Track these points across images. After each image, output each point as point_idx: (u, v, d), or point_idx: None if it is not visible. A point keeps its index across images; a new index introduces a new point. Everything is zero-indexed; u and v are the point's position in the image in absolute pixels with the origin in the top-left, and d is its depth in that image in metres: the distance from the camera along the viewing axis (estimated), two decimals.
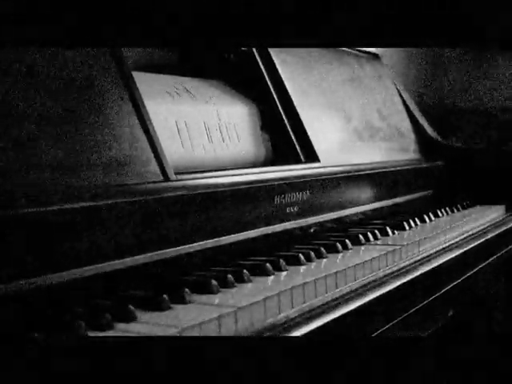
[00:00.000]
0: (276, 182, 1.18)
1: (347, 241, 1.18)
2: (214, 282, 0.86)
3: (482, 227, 1.57)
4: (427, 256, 1.24)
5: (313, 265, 1.04)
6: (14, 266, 0.73)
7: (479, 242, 1.45)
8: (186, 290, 0.82)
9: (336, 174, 1.38)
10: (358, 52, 1.86)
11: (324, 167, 1.36)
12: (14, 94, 0.81)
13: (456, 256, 1.31)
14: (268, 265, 0.96)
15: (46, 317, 0.73)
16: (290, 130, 1.35)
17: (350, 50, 1.82)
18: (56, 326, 0.70)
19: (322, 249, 1.10)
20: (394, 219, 1.47)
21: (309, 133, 1.38)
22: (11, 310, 0.72)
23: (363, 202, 1.49)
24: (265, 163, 1.32)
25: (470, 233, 1.49)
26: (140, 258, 0.88)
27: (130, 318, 0.74)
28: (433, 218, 1.54)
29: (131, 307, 0.75)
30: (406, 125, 1.95)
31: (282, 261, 1.00)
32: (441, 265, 1.23)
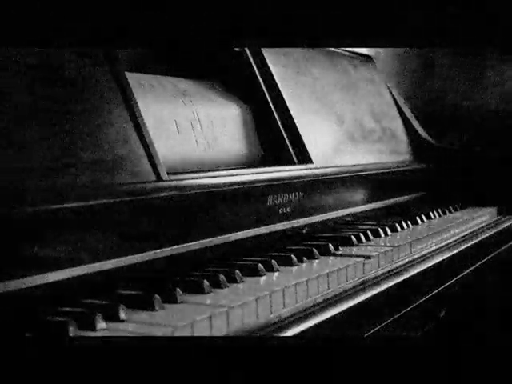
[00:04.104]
0: (269, 183, 1.18)
1: (339, 242, 1.18)
2: (206, 282, 0.86)
3: (473, 229, 1.58)
4: (419, 257, 1.25)
5: (305, 265, 1.04)
6: (6, 266, 0.72)
7: (471, 243, 1.45)
8: (178, 290, 0.82)
9: (329, 175, 1.38)
10: (351, 54, 1.87)
11: (317, 168, 1.36)
12: (8, 94, 0.81)
13: (448, 257, 1.31)
14: (260, 265, 0.96)
15: (37, 317, 0.73)
16: (283, 131, 1.36)
17: (343, 52, 1.83)
18: (47, 325, 0.70)
19: (315, 250, 1.10)
20: (387, 221, 1.48)
21: (302, 134, 1.38)
22: (2, 309, 0.72)
23: (356, 204, 1.50)
24: (258, 164, 1.32)
25: (462, 234, 1.50)
26: (132, 258, 0.88)
27: (122, 318, 0.74)
28: (425, 220, 1.54)
29: (123, 307, 0.75)
30: (399, 127, 1.95)
31: (274, 261, 1.00)
32: (432, 266, 1.24)
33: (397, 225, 1.40)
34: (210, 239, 1.02)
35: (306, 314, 0.87)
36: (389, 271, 1.13)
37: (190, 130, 1.17)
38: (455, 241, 1.44)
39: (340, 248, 1.17)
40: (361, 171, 1.54)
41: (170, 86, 1.21)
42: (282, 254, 1.06)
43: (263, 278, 0.94)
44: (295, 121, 1.38)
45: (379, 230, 1.33)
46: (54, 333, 0.69)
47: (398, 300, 1.10)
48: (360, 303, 0.97)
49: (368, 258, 1.10)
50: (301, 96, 1.48)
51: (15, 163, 0.77)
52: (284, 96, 1.39)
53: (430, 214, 1.61)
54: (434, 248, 1.34)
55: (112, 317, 0.74)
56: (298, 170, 1.31)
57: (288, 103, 1.39)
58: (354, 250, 1.18)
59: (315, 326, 0.85)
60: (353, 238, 1.23)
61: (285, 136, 1.36)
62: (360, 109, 1.75)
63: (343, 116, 1.63)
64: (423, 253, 1.28)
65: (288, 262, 1.03)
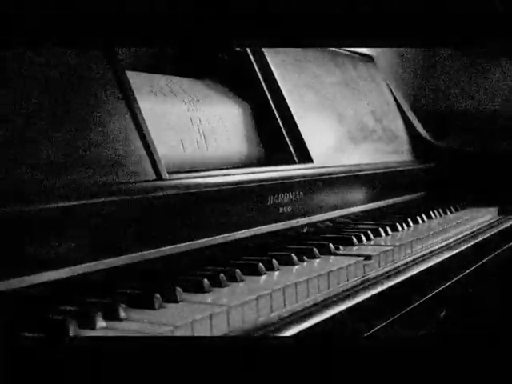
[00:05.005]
0: (269, 182, 1.18)
1: (340, 241, 1.18)
2: (206, 281, 0.86)
3: (474, 229, 1.58)
4: (420, 257, 1.25)
5: (305, 265, 1.04)
6: (5, 264, 0.72)
7: (472, 243, 1.45)
8: (179, 288, 0.82)
9: (329, 174, 1.38)
10: (351, 53, 1.87)
11: (317, 168, 1.36)
12: (6, 92, 0.81)
13: (448, 257, 1.31)
14: (260, 264, 0.96)
15: (37, 315, 0.73)
16: (283, 130, 1.36)
17: (343, 52, 1.82)
18: (47, 324, 0.70)
19: (315, 249, 1.10)
20: (387, 220, 1.48)
21: (302, 133, 1.38)
22: (1, 308, 0.72)
23: (356, 203, 1.50)
24: (258, 163, 1.32)
25: (463, 234, 1.50)
26: (132, 257, 0.88)
27: (122, 317, 0.74)
28: (425, 220, 1.54)
29: (123, 306, 0.75)
30: (400, 126, 1.95)
31: (274, 260, 1.00)
32: (433, 266, 1.24)
33: (397, 224, 1.40)
34: (211, 238, 1.02)
35: (306, 313, 0.87)
36: (389, 271, 1.13)
37: (190, 129, 1.17)
38: (456, 241, 1.43)
39: (341, 247, 1.17)
40: (361, 171, 1.53)
41: (171, 85, 1.21)
42: (283, 254, 1.06)
43: (263, 277, 0.94)
44: (296, 120, 1.38)
45: (380, 229, 1.33)
46: (53, 331, 0.69)
47: (399, 300, 1.10)
48: (360, 303, 0.96)
49: (368, 257, 1.10)
50: (301, 95, 1.47)
51: (14, 163, 0.77)
52: (285, 95, 1.39)
53: (431, 213, 1.61)
54: (435, 248, 1.33)
55: (112, 315, 0.74)
56: (298, 169, 1.31)
57: (289, 102, 1.39)
58: (355, 250, 1.17)
59: (316, 325, 0.85)
60: (353, 237, 1.23)
61: (285, 135, 1.35)
62: (361, 108, 1.75)
63: (344, 115, 1.63)
64: (424, 252, 1.28)
65: (288, 262, 1.03)
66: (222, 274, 0.89)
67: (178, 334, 0.70)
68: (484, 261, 1.53)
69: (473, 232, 1.55)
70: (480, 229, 1.60)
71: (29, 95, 0.83)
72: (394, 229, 1.39)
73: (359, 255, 1.10)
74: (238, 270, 0.92)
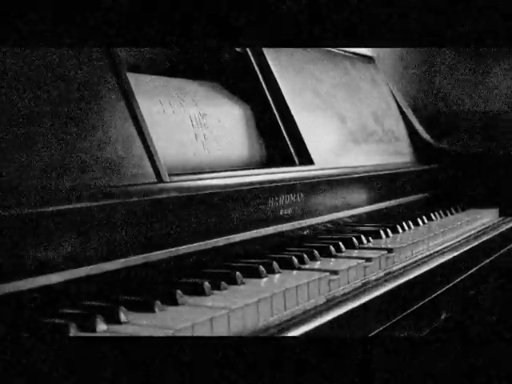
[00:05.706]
0: (270, 185, 1.18)
1: (341, 243, 1.18)
2: (206, 283, 0.86)
3: (475, 230, 1.58)
4: (420, 259, 1.25)
5: (306, 267, 1.03)
6: (6, 268, 0.72)
7: (473, 245, 1.45)
8: (179, 291, 0.82)
9: (330, 176, 1.38)
10: (352, 54, 1.87)
11: (318, 170, 1.36)
12: (7, 94, 0.80)
13: (449, 259, 1.31)
14: (261, 267, 0.96)
15: (37, 319, 0.73)
16: (284, 132, 1.35)
17: (344, 53, 1.82)
18: (48, 327, 0.70)
19: (316, 251, 1.10)
20: (388, 222, 1.47)
21: (303, 135, 1.38)
22: (2, 311, 0.71)
23: (357, 205, 1.49)
24: (259, 165, 1.32)
25: (464, 236, 1.50)
26: (133, 260, 0.87)
27: (122, 320, 0.73)
28: (426, 222, 1.54)
29: (124, 309, 0.75)
30: (401, 128, 1.95)
31: (275, 263, 0.99)
32: (434, 268, 1.23)
33: (398, 226, 1.40)
34: (211, 241, 1.02)
35: (307, 316, 0.87)
36: (390, 273, 1.12)
37: (191, 130, 1.17)
38: (457, 242, 1.43)
39: (342, 249, 1.17)
40: (362, 172, 1.53)
41: (172, 87, 1.21)
42: (283, 256, 1.06)
43: (264, 280, 0.94)
44: (296, 121, 1.38)
45: (380, 231, 1.33)
46: (54, 334, 0.68)
47: (400, 302, 1.10)
48: (361, 305, 0.96)
49: (369, 259, 1.10)
50: (302, 96, 1.47)
51: (16, 164, 0.77)
52: (285, 97, 1.39)
53: (432, 215, 1.61)
54: (436, 250, 1.33)
55: (112, 319, 0.73)
56: (299, 171, 1.30)
57: (289, 104, 1.39)
58: (356, 252, 1.17)
59: (317, 328, 0.85)
60: (354, 239, 1.23)
61: (286, 137, 1.35)
62: (361, 109, 1.75)
63: (345, 117, 1.63)
64: (424, 254, 1.28)
65: (289, 264, 1.03)
66: (222, 277, 0.89)
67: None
68: (485, 262, 1.52)
69: (474, 234, 1.55)
70: (481, 230, 1.60)
71: (28, 97, 0.83)
72: (395, 231, 1.38)
73: (360, 257, 1.10)
74: (238, 273, 0.92)
